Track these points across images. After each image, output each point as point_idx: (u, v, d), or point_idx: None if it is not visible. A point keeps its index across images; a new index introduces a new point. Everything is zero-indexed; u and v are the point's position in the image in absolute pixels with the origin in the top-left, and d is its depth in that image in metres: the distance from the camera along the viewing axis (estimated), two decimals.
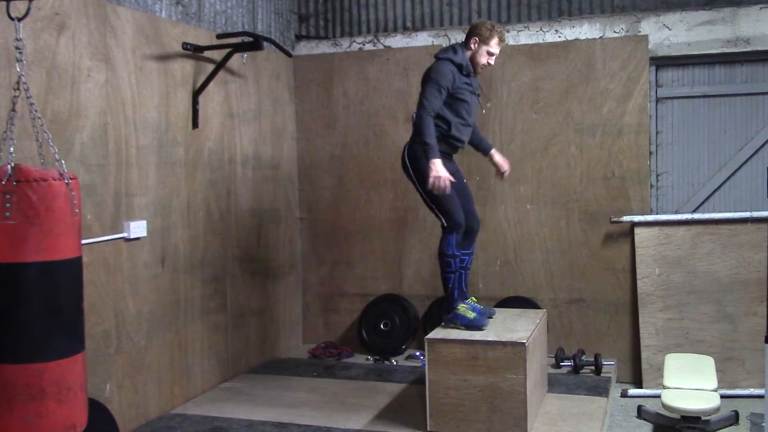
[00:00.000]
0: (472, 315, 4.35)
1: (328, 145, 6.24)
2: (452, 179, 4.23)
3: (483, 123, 5.82)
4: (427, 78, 4.35)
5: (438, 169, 4.16)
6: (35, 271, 2.91)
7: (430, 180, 4.16)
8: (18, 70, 3.05)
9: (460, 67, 4.38)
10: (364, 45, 6.19)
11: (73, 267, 3.07)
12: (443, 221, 4.39)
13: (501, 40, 4.49)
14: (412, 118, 4.41)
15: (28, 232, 2.88)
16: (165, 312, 4.62)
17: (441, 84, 4.28)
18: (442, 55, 4.43)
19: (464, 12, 5.94)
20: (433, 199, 4.34)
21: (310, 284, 6.39)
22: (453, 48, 4.46)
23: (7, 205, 2.85)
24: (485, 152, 4.84)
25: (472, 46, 4.45)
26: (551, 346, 5.35)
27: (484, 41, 4.43)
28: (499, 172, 4.86)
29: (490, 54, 4.46)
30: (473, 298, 4.67)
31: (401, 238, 6.07)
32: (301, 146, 6.33)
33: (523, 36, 5.76)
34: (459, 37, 5.90)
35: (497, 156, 4.83)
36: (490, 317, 4.54)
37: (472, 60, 4.46)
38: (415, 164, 4.37)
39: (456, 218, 4.38)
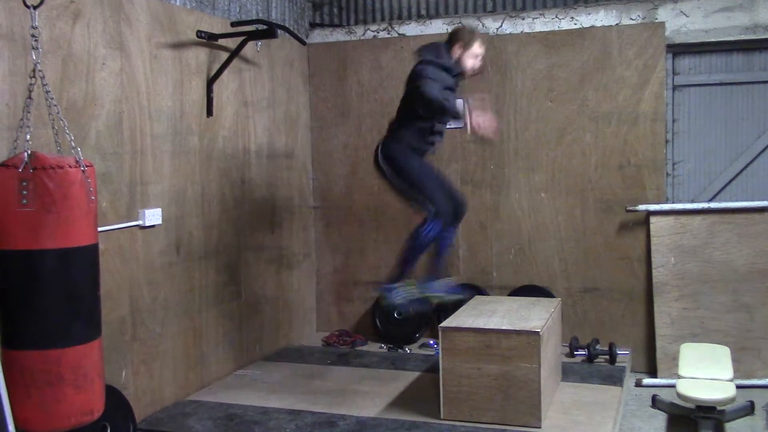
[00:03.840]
0: (400, 300, 4.42)
1: (342, 134, 6.23)
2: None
3: (497, 111, 5.79)
4: (417, 79, 4.21)
5: (475, 115, 4.09)
6: (52, 258, 2.94)
7: (474, 125, 4.09)
8: (34, 57, 3.07)
9: (447, 70, 4.31)
10: (378, 33, 6.17)
11: (89, 254, 3.09)
12: (431, 207, 4.31)
13: (482, 42, 4.45)
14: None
15: (45, 219, 2.90)
16: (180, 299, 4.65)
17: (434, 77, 4.17)
18: (425, 57, 4.32)
19: (478, 0, 5.92)
20: (420, 187, 4.33)
21: (324, 272, 6.40)
22: (435, 49, 4.36)
23: (24, 192, 2.88)
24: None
25: (457, 51, 4.40)
26: (565, 335, 5.34)
27: (467, 45, 4.38)
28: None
29: (475, 56, 4.41)
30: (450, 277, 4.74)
31: (415, 227, 6.05)
32: (314, 135, 6.32)
33: (538, 23, 5.72)
34: (473, 24, 5.86)
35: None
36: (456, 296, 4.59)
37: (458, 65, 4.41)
38: (391, 162, 4.36)
39: (444, 206, 4.35)
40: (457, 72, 4.41)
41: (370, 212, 6.20)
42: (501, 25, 5.80)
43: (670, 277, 5.30)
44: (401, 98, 4.45)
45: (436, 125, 4.41)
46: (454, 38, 4.44)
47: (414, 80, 4.29)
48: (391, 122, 4.50)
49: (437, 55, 4.35)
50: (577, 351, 5.41)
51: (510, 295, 5.65)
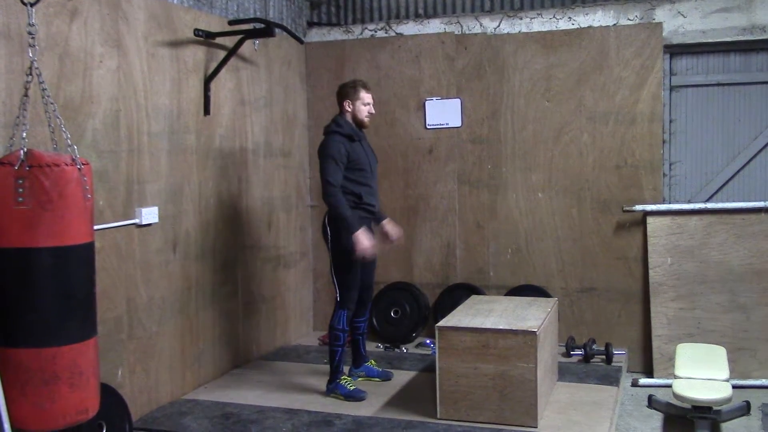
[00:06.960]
0: (352, 387, 4.61)
1: None
2: (372, 253, 4.50)
3: (494, 111, 5.80)
4: (321, 155, 4.54)
5: (363, 242, 4.41)
6: (48, 256, 2.93)
7: (358, 253, 4.42)
8: (30, 55, 3.07)
9: (349, 137, 4.57)
10: (375, 32, 6.17)
11: (86, 252, 3.08)
12: (337, 296, 4.63)
13: (366, 88, 4.71)
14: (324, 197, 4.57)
15: (41, 218, 2.90)
16: (176, 298, 4.64)
17: (335, 157, 4.48)
18: (328, 131, 4.63)
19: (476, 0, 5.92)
20: (339, 271, 4.60)
21: (321, 272, 6.39)
22: (335, 122, 4.65)
23: (20, 190, 2.87)
24: (378, 222, 4.89)
25: (348, 108, 4.67)
26: (562, 334, 5.34)
27: (354, 97, 4.65)
28: (389, 240, 4.92)
29: (366, 104, 4.67)
30: (372, 361, 5.01)
31: (412, 227, 6.06)
32: (312, 134, 6.31)
33: (536, 23, 5.72)
34: (471, 24, 5.87)
35: (388, 225, 4.91)
36: (388, 379, 4.90)
37: (356, 120, 4.67)
38: (335, 233, 4.56)
39: (350, 297, 4.63)
40: (360, 137, 4.66)
41: None
42: (499, 25, 5.80)
43: (666, 278, 5.31)
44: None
45: (364, 193, 4.58)
46: (340, 97, 4.72)
47: (319, 157, 4.57)
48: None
49: (338, 124, 4.63)
50: (573, 351, 5.41)
51: (507, 294, 5.66)
